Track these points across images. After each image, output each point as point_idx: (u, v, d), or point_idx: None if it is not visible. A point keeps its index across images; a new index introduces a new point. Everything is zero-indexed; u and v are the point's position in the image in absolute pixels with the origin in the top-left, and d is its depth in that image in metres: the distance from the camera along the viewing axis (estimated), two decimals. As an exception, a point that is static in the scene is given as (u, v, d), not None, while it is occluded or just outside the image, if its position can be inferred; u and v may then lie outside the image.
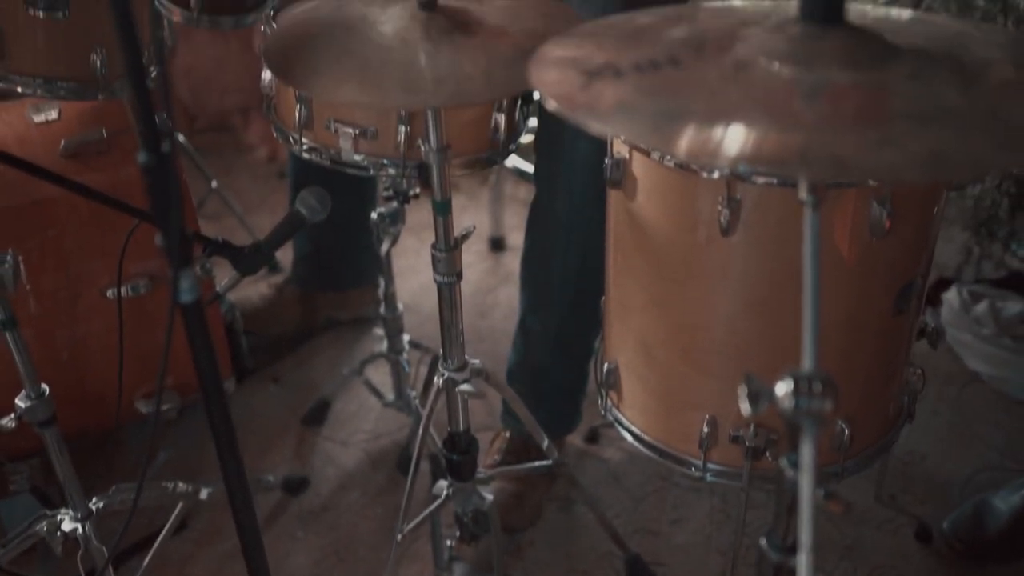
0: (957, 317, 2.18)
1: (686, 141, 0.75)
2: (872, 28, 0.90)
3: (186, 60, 2.89)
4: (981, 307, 2.16)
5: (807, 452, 0.74)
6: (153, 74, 1.64)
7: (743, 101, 0.80)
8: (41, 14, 1.53)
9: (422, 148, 1.19)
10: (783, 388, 0.76)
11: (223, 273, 1.42)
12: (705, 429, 1.20)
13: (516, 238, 2.54)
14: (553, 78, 0.86)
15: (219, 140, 3.00)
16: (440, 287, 1.33)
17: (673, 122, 0.78)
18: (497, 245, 2.58)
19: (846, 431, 1.19)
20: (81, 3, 1.53)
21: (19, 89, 1.57)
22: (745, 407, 0.77)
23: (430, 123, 1.13)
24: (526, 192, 2.64)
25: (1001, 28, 2.03)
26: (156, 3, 1.68)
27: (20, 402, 1.37)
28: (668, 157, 1.09)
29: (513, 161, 2.48)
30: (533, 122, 1.74)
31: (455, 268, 1.31)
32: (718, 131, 0.76)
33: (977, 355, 2.13)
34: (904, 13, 1.07)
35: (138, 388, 1.73)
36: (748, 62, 0.85)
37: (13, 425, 1.39)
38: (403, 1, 1.14)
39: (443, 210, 1.26)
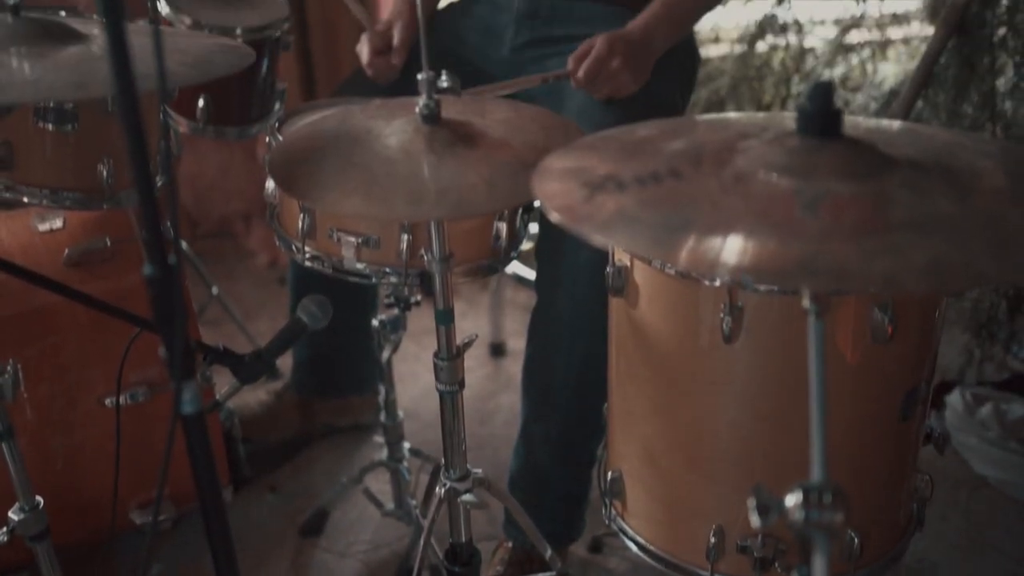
0: (962, 420, 2.17)
1: (688, 252, 0.76)
2: (867, 139, 0.91)
3: (190, 167, 2.93)
4: (985, 410, 2.15)
5: (820, 567, 0.73)
6: (160, 183, 1.66)
7: (744, 212, 0.81)
8: (50, 127, 1.55)
9: (425, 257, 1.20)
10: (793, 500, 0.75)
11: (223, 380, 1.42)
12: (712, 539, 1.18)
13: (517, 343, 2.53)
14: (556, 190, 0.87)
15: (221, 246, 3.03)
16: (442, 396, 1.32)
17: (675, 233, 0.78)
18: (498, 351, 2.57)
19: (856, 540, 1.17)
20: (90, 115, 1.56)
21: (25, 199, 1.58)
22: (755, 519, 0.75)
23: (433, 233, 1.14)
24: (526, 297, 2.65)
25: (990, 137, 2.06)
26: (164, 114, 1.71)
27: (13, 515, 1.35)
28: (669, 265, 1.10)
29: (514, 267, 2.49)
30: (534, 228, 1.76)
31: (457, 377, 1.31)
32: (719, 242, 0.77)
33: (984, 459, 2.11)
34: (895, 124, 1.09)
35: (133, 497, 1.70)
36: (748, 174, 0.86)
37: (5, 539, 1.36)
38: (407, 115, 1.17)
39: (445, 319, 1.26)
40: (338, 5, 2.60)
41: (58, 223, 1.81)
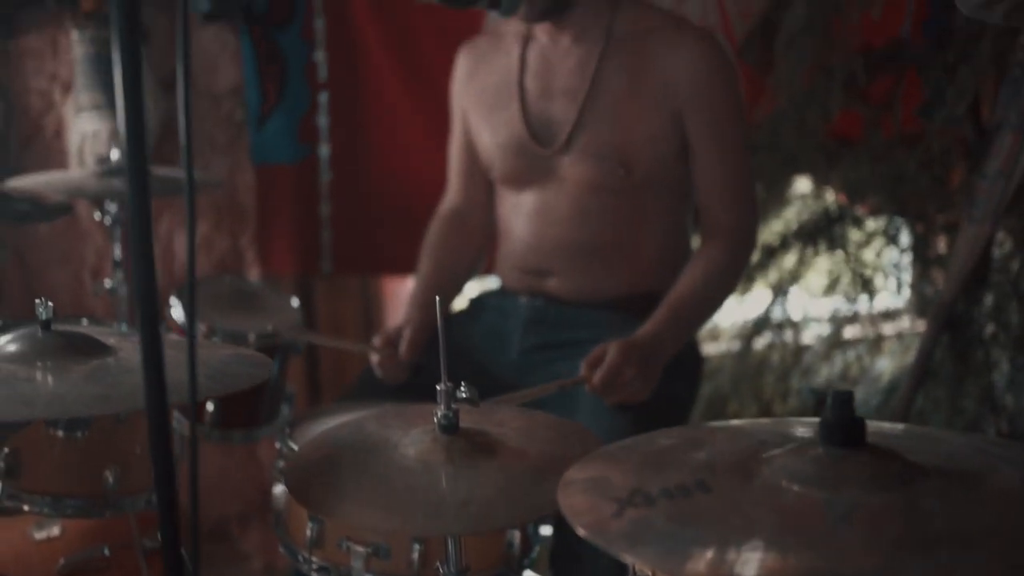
0: None
1: (719, 569, 0.74)
2: (890, 447, 0.91)
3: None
4: None
5: None
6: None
7: (776, 526, 0.80)
8: (60, 433, 1.55)
9: (440, 570, 1.16)
10: None
11: None
12: None
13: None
14: (583, 505, 0.85)
15: (214, 550, 2.93)
16: None
17: (709, 549, 0.77)
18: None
19: None
20: (100, 421, 1.56)
21: (26, 507, 1.55)
22: None
23: (450, 548, 1.11)
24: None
25: (1007, 441, 2.07)
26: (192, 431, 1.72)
27: None
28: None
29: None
30: (545, 530, 1.72)
31: None
32: (753, 557, 0.75)
33: None
34: (915, 429, 1.10)
35: None
36: (775, 486, 0.85)
37: None
38: (423, 423, 1.17)
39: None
40: (346, 307, 2.70)
41: (56, 531, 1.76)
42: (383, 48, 2.45)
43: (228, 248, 2.56)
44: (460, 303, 2.08)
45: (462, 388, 1.18)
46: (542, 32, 1.82)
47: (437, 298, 1.21)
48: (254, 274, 2.56)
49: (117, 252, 2.10)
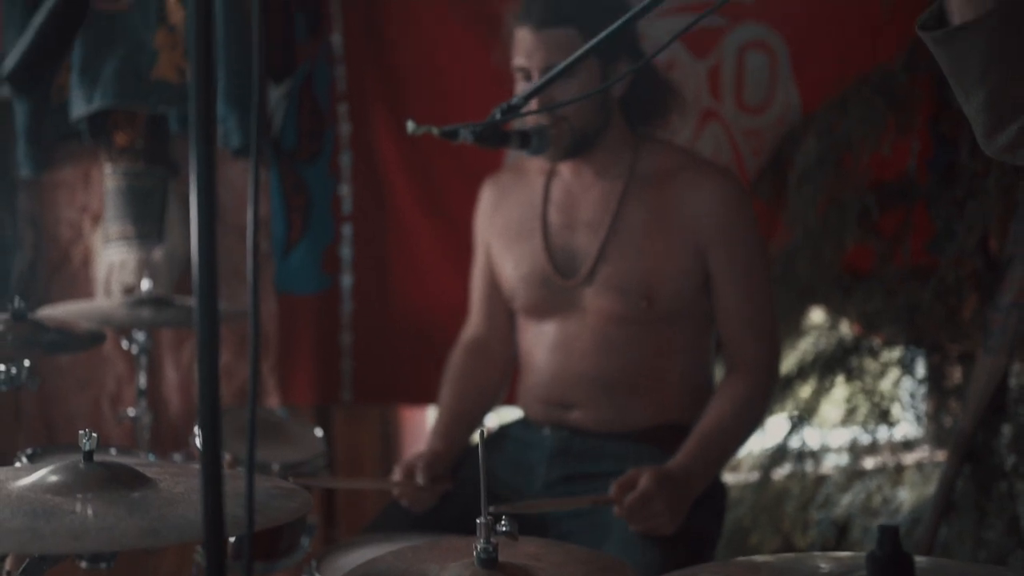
0: None
1: None
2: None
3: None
4: None
5: None
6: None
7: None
8: (85, 564, 1.53)
9: None
10: None
11: None
12: None
13: None
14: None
15: None
16: None
17: None
18: None
19: None
20: (126, 553, 1.55)
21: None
22: None
23: None
24: None
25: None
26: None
27: None
28: None
29: None
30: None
31: None
32: None
33: None
34: (923, 560, 1.08)
35: None
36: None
37: None
38: (462, 556, 1.16)
39: None
40: (365, 437, 2.69)
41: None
42: (406, 183, 2.52)
43: (248, 377, 2.57)
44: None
45: (502, 521, 1.18)
46: (565, 167, 1.89)
47: (479, 429, 1.23)
48: (274, 403, 2.56)
49: (142, 380, 2.11)
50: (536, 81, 1.72)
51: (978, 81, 1.25)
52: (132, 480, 1.19)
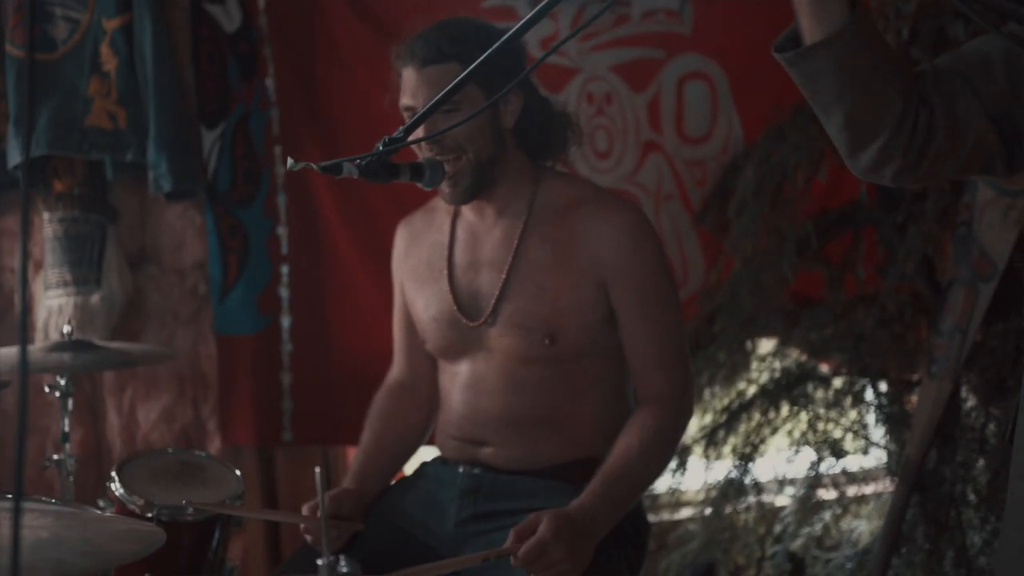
0: None
1: None
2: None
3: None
4: None
5: None
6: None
7: None
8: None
9: None
10: None
11: None
12: None
13: None
14: None
15: None
16: None
17: None
18: None
19: None
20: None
21: None
22: None
23: None
24: None
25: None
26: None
27: None
28: None
29: None
30: None
31: None
32: None
33: None
34: None
35: None
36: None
37: None
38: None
39: None
40: (306, 477, 2.66)
41: None
42: (342, 223, 2.53)
43: (191, 419, 2.58)
44: (409, 470, 2.07)
45: (342, 562, 1.17)
46: (468, 207, 1.88)
47: (316, 470, 1.20)
48: (215, 444, 2.56)
49: (66, 424, 2.11)
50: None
51: (834, 101, 1.24)
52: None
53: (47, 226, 2.45)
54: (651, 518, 2.69)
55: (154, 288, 2.54)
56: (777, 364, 2.61)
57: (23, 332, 0.86)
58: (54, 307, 2.43)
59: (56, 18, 2.37)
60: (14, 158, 2.38)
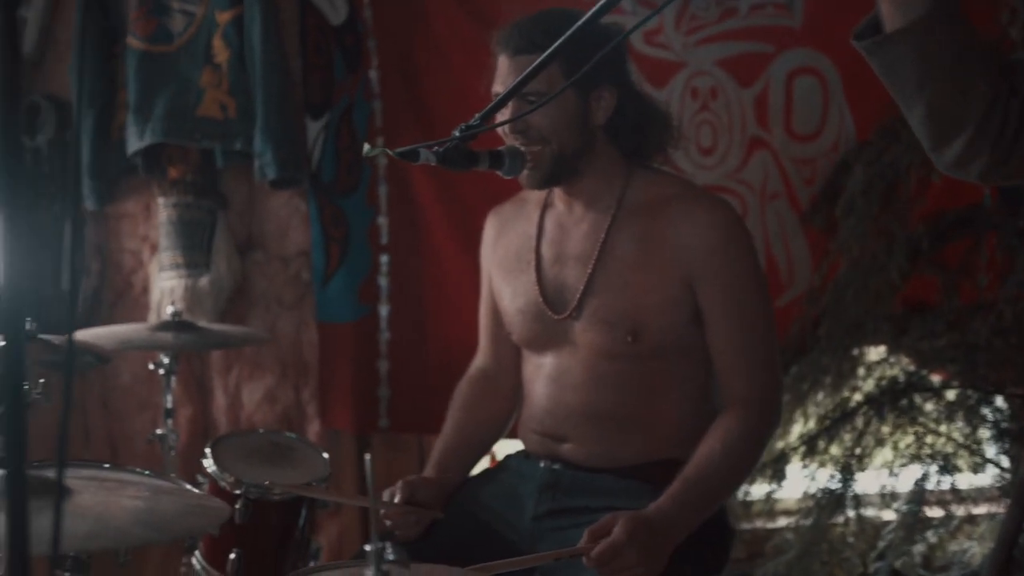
0: None
1: None
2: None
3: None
4: None
5: None
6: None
7: None
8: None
9: None
10: None
11: None
12: None
13: None
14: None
15: None
16: None
17: None
18: None
19: None
20: (104, 568, 1.61)
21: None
22: None
23: None
24: None
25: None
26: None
27: None
28: None
29: None
30: None
31: None
32: None
33: None
34: None
35: None
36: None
37: None
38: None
39: None
40: (402, 464, 2.71)
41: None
42: (441, 214, 2.55)
43: (292, 402, 2.65)
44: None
45: (388, 549, 1.17)
46: (559, 198, 1.87)
47: (367, 456, 1.20)
48: (315, 428, 2.63)
49: (168, 401, 2.21)
50: (512, 107, 1.72)
51: (915, 92, 1.18)
52: (43, 491, 1.24)
53: (162, 211, 2.56)
54: (745, 525, 2.64)
55: (260, 274, 2.62)
56: (884, 372, 2.50)
57: (71, 317, 0.89)
58: (166, 288, 2.54)
59: (174, 12, 2.47)
60: (133, 144, 2.50)
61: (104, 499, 1.24)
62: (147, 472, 1.79)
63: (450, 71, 2.53)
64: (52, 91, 2.63)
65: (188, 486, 1.65)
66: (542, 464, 1.88)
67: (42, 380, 1.81)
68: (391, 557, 1.17)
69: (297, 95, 2.53)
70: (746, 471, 1.78)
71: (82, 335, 2.10)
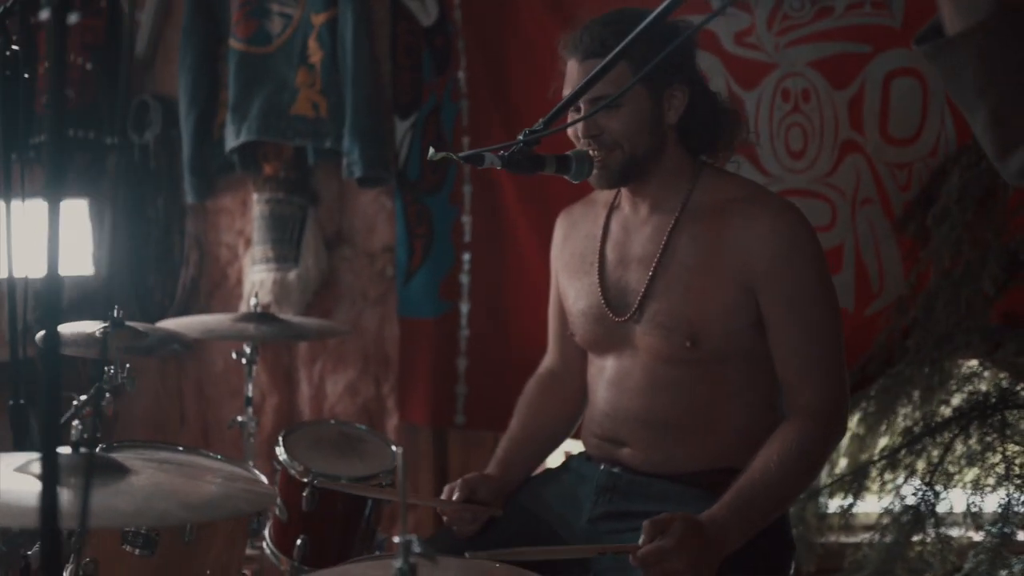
0: None
1: None
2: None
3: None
4: None
5: None
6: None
7: None
8: (137, 551, 1.69)
9: None
10: None
11: None
12: None
13: None
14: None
15: None
16: None
17: None
18: None
19: None
20: (169, 545, 1.69)
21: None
22: None
23: None
24: None
25: None
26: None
27: None
28: None
29: None
30: None
31: None
32: None
33: None
34: None
35: None
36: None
37: None
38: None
39: None
40: (478, 460, 2.74)
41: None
42: (523, 215, 2.57)
43: (372, 395, 2.71)
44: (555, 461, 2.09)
45: (415, 543, 1.19)
46: (625, 200, 1.86)
47: (399, 451, 1.23)
48: (393, 422, 2.68)
49: (249, 389, 2.29)
50: (584, 111, 1.73)
51: (976, 98, 1.14)
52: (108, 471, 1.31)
53: (256, 206, 2.66)
54: (819, 539, 2.56)
55: (347, 269, 2.70)
56: (975, 387, 2.39)
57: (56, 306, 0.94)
58: (256, 281, 2.64)
59: (272, 14, 2.56)
60: (231, 142, 2.60)
61: (159, 480, 1.30)
62: (219, 457, 1.88)
63: (537, 72, 2.53)
64: (160, 91, 2.76)
65: (248, 471, 1.72)
66: (601, 467, 1.88)
67: (127, 366, 1.92)
68: (418, 550, 1.19)
69: (386, 95, 2.59)
70: (805, 483, 1.74)
71: (169, 323, 2.21)
